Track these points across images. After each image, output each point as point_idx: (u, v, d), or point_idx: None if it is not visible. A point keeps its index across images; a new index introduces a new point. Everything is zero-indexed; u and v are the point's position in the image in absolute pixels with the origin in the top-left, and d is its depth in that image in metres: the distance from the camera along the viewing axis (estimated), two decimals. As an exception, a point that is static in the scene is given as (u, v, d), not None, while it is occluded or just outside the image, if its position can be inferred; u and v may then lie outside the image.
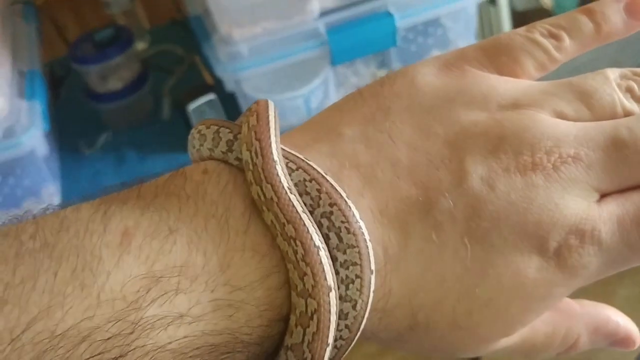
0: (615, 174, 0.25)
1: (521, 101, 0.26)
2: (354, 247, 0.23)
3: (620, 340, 0.29)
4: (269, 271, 0.23)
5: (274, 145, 0.24)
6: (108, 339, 0.20)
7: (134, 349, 0.21)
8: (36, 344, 0.19)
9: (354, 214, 0.24)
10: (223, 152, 0.25)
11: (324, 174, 0.24)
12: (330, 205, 0.24)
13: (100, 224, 0.22)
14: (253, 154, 0.24)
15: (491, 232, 0.24)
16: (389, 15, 0.87)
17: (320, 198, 0.24)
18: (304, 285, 0.22)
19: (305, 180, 0.24)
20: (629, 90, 0.27)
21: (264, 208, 0.23)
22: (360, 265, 0.23)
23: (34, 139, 0.81)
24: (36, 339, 0.19)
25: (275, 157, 0.24)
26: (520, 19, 1.44)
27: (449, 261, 0.24)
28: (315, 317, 0.22)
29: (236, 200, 0.24)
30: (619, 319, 0.29)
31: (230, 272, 0.22)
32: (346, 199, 0.24)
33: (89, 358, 0.20)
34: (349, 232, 0.23)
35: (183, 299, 0.21)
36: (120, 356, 0.20)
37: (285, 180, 0.24)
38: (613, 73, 0.27)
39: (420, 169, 0.25)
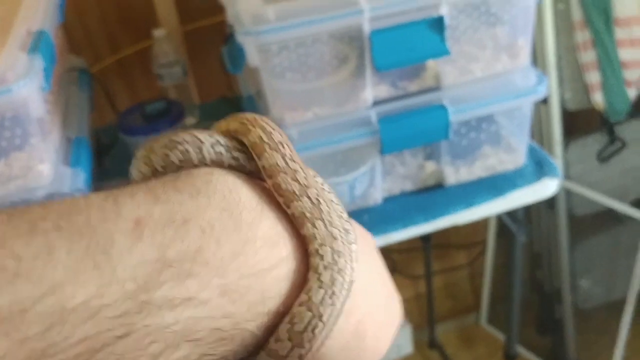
0: None
1: None
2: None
3: None
4: (278, 261, 0.24)
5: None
6: (116, 317, 0.21)
7: (139, 328, 0.21)
8: (46, 317, 0.20)
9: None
10: (216, 155, 0.27)
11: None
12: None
13: (112, 211, 0.23)
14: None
15: None
16: (442, 108, 0.86)
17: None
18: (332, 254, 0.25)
19: None
20: None
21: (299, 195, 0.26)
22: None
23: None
24: (46, 312, 0.20)
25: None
26: (571, 118, 1.42)
27: None
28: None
29: (246, 196, 0.25)
30: None
31: (241, 260, 0.24)
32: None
33: (95, 334, 0.20)
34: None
35: (193, 282, 0.22)
36: (125, 334, 0.21)
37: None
38: None
39: None
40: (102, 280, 0.21)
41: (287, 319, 0.24)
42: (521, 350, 1.64)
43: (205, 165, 0.27)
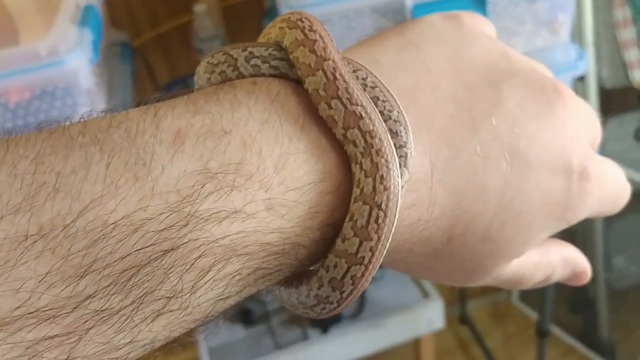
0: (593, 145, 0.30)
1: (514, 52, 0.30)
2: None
3: (578, 274, 0.33)
4: (322, 175, 0.23)
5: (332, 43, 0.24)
6: (161, 230, 0.20)
7: (187, 241, 0.21)
8: (88, 232, 0.19)
9: (403, 114, 0.25)
10: (257, 66, 0.26)
11: (378, 78, 0.25)
12: (383, 101, 0.24)
13: (152, 123, 0.22)
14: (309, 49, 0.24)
15: (528, 150, 0.27)
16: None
17: (375, 87, 0.25)
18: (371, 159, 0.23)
19: (365, 77, 0.25)
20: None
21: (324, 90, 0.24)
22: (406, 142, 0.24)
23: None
24: (88, 227, 0.19)
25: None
26: (608, 96, 1.41)
27: (491, 174, 0.26)
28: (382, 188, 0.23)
29: (289, 107, 0.24)
30: (580, 255, 0.33)
31: (285, 173, 0.23)
32: (397, 100, 0.25)
33: (140, 249, 0.20)
34: (399, 123, 0.24)
35: (238, 195, 0.22)
36: (171, 249, 0.20)
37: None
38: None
39: (460, 93, 0.27)
40: (144, 193, 0.20)
41: (347, 217, 0.23)
42: (553, 328, 1.65)
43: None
